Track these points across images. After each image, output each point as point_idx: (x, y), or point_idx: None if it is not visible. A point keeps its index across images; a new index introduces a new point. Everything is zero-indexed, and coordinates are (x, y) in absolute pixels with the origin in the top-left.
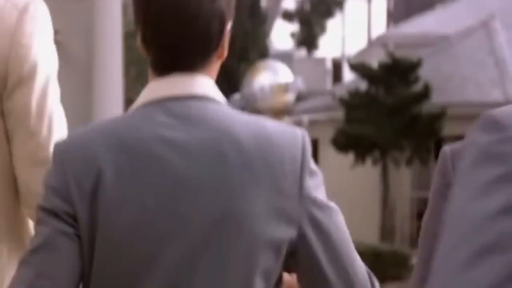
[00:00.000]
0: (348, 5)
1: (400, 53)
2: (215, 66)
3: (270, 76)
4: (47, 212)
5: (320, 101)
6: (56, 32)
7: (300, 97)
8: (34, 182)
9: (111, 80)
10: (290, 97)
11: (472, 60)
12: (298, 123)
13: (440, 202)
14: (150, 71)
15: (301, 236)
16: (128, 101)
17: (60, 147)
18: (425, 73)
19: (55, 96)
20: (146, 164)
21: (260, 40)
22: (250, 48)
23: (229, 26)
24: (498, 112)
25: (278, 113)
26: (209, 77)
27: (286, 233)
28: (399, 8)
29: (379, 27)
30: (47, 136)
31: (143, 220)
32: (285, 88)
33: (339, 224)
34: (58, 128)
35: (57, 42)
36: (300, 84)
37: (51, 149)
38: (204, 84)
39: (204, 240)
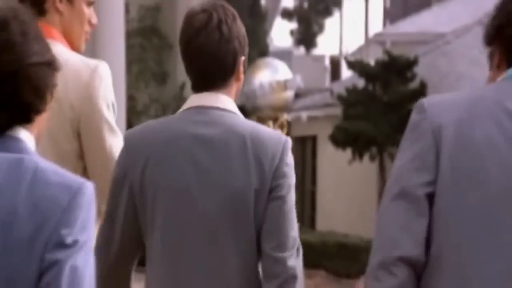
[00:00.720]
0: (346, 4)
1: (397, 51)
2: (234, 86)
3: (269, 74)
4: (114, 182)
5: (318, 98)
6: None
7: (299, 94)
8: (106, 184)
9: (114, 77)
10: (289, 94)
11: (468, 58)
12: (297, 120)
13: None
14: (191, 89)
15: (274, 198)
16: (130, 97)
17: (128, 136)
18: (421, 70)
19: (113, 122)
20: (179, 152)
21: (260, 38)
22: (250, 46)
23: (242, 59)
24: (426, 99)
25: (278, 109)
26: (228, 94)
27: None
28: (396, 7)
29: (376, 25)
30: (110, 151)
31: (175, 191)
32: (284, 85)
33: (292, 197)
34: (116, 144)
35: None
36: (299, 82)
37: (114, 160)
38: (222, 100)
39: (213, 203)
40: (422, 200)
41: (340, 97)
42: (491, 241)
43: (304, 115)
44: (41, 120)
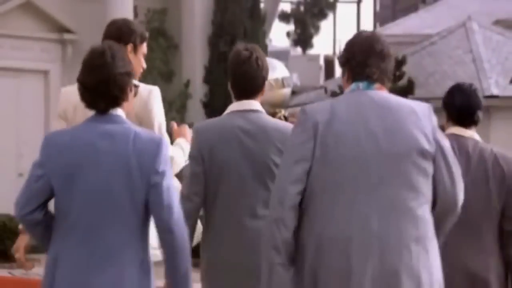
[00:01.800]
0: (339, 7)
1: None
2: (260, 97)
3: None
4: (190, 158)
5: (313, 95)
6: (72, 32)
7: (295, 91)
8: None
9: None
10: (286, 91)
11: (452, 58)
12: (293, 116)
13: None
14: (233, 97)
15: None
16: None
17: (199, 127)
18: (409, 69)
19: (163, 124)
20: (232, 138)
21: (259, 39)
22: None
23: (266, 82)
24: (308, 105)
25: (276, 105)
26: (258, 101)
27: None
28: (385, 10)
29: (367, 27)
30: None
31: (229, 162)
32: (281, 83)
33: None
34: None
35: (72, 41)
36: (296, 80)
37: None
38: (256, 104)
39: (251, 168)
40: (304, 163)
41: (333, 94)
42: (342, 195)
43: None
44: (127, 105)
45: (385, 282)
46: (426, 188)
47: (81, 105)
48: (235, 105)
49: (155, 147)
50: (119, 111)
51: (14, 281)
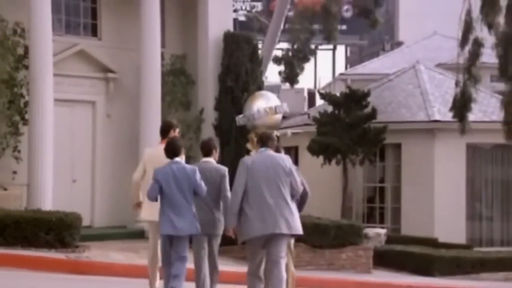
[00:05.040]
0: (319, 53)
1: (355, 86)
2: (215, 155)
3: (264, 102)
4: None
5: (299, 119)
6: (113, 72)
7: (285, 116)
8: None
9: (153, 104)
10: (279, 116)
11: (405, 91)
12: (284, 135)
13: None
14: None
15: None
16: (164, 120)
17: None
18: (372, 100)
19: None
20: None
21: (257, 77)
22: (250, 82)
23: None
24: (244, 157)
25: (270, 128)
26: (212, 158)
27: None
28: (354, 55)
29: (341, 68)
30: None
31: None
32: (275, 110)
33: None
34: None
35: (114, 78)
36: (286, 108)
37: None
38: (211, 159)
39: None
40: (243, 184)
41: (314, 119)
42: (257, 195)
43: (289, 131)
44: (181, 156)
45: (278, 215)
46: (287, 188)
47: (150, 156)
48: (203, 159)
49: (193, 171)
50: (178, 159)
51: (69, 263)
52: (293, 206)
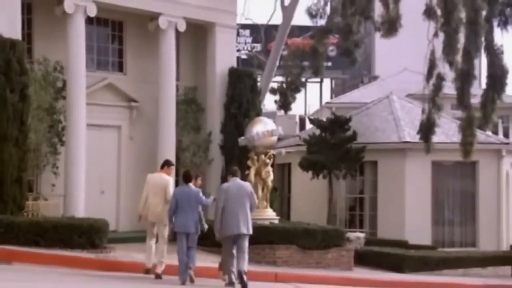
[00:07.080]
0: (308, 85)
1: (339, 113)
2: (194, 182)
3: (262, 126)
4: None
5: (292, 141)
6: (136, 101)
7: (280, 138)
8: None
9: (169, 128)
10: (274, 138)
11: (380, 117)
12: (279, 154)
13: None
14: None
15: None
16: (178, 140)
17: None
18: (353, 124)
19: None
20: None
21: (256, 105)
22: (250, 110)
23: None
24: (222, 184)
25: (267, 148)
26: (194, 184)
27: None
28: (338, 87)
29: (327, 97)
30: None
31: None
32: (271, 133)
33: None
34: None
35: (136, 107)
36: (280, 131)
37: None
38: (190, 185)
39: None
40: (223, 201)
41: (305, 140)
42: (231, 208)
43: (283, 151)
44: (194, 182)
45: (242, 222)
46: (248, 204)
47: (149, 179)
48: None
49: (196, 192)
50: (190, 184)
51: (98, 261)
52: (250, 216)
